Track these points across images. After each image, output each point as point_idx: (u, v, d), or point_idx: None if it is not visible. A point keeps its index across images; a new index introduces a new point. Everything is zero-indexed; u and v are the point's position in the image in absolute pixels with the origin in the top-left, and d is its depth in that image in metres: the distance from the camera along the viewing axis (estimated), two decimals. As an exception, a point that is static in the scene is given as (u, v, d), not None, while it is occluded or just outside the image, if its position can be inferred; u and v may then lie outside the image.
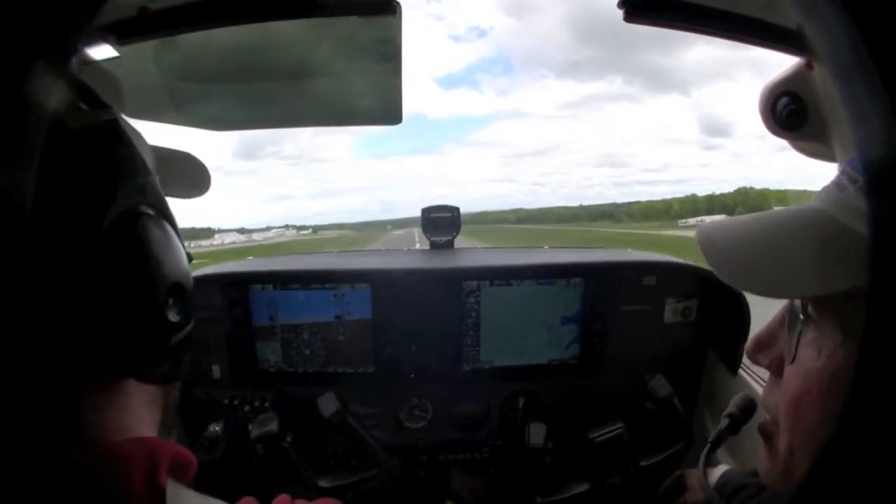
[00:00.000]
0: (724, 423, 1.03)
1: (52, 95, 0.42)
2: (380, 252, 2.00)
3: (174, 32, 0.99)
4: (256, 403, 1.57)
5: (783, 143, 1.08)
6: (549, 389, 1.63)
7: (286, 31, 1.08)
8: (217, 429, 1.51)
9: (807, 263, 0.48)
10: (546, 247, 2.32)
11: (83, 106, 0.47)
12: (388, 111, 1.29)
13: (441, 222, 1.81)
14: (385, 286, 1.54)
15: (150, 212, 0.50)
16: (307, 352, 1.56)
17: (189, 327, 0.54)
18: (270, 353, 1.56)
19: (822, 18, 0.31)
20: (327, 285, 1.54)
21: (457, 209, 1.82)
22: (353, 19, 0.99)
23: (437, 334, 1.57)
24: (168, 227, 0.52)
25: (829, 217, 0.48)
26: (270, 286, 1.53)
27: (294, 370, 1.57)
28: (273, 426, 1.42)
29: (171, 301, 0.50)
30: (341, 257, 2.04)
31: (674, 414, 1.55)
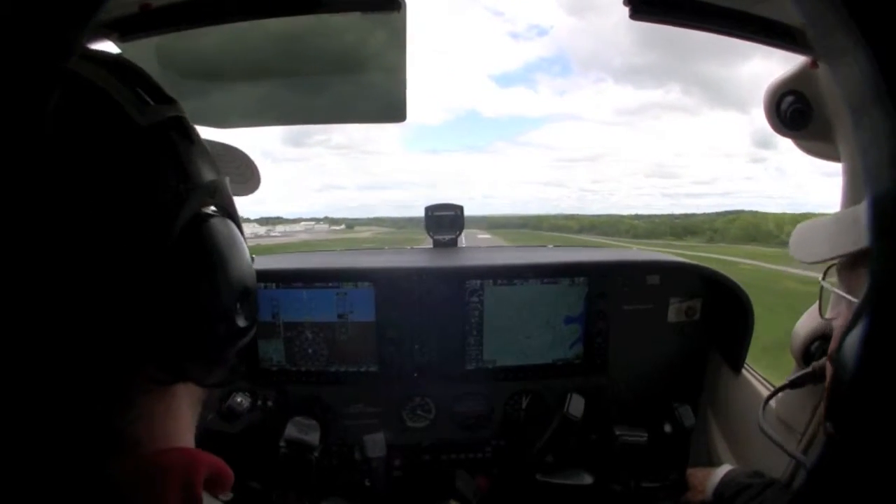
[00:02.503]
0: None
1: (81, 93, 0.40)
2: (383, 251, 1.99)
3: (176, 29, 0.99)
4: (259, 403, 1.56)
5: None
6: (552, 389, 1.62)
7: (288, 28, 1.08)
8: (242, 401, 1.49)
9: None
10: (550, 245, 2.32)
11: (148, 100, 0.45)
12: (391, 108, 1.28)
13: (444, 221, 1.81)
14: (388, 285, 1.54)
15: (220, 214, 0.48)
16: (310, 350, 1.56)
17: (253, 331, 0.52)
18: (273, 352, 1.55)
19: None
20: (330, 284, 1.53)
21: (461, 208, 1.81)
22: (357, 15, 0.99)
23: (440, 334, 1.56)
24: (235, 229, 0.50)
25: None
26: (273, 285, 1.53)
27: (297, 369, 1.56)
28: (312, 437, 1.39)
29: (239, 306, 0.48)
30: (344, 256, 2.03)
31: (685, 447, 1.54)
